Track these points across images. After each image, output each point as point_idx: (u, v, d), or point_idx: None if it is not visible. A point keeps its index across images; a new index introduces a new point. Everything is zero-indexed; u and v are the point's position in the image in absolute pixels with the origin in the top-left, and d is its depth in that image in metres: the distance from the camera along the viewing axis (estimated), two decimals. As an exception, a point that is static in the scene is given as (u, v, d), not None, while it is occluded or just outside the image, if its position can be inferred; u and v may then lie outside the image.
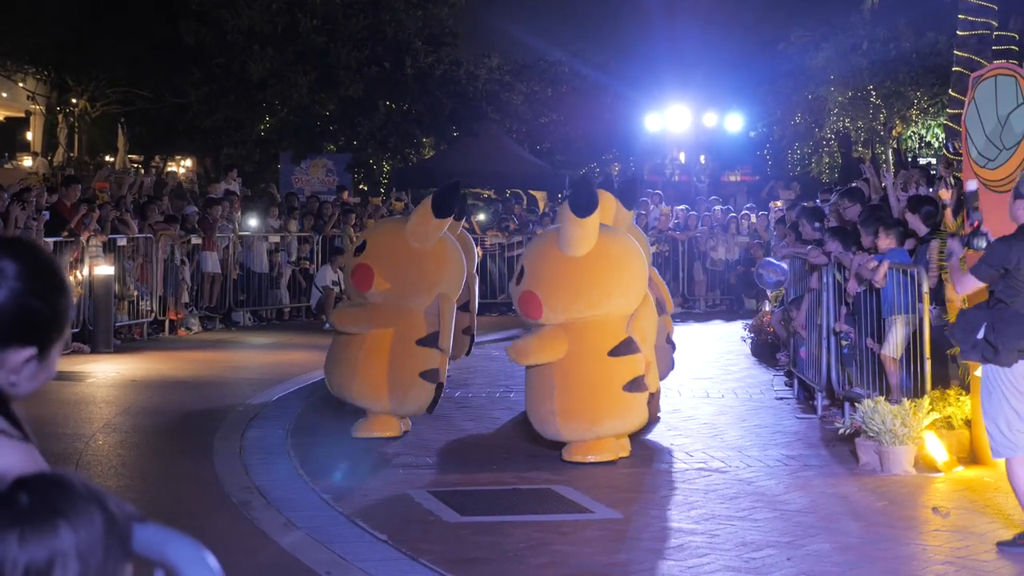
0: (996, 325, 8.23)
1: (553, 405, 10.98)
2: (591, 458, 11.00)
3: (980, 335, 8.29)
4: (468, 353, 15.13)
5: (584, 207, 10.95)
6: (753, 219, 27.12)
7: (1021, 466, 8.28)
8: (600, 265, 11.08)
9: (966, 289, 8.73)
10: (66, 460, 10.77)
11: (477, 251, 16.15)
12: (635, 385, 11.09)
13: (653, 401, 11.71)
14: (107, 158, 40.19)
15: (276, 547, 8.52)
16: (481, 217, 27.13)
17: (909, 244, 12.37)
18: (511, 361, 11.53)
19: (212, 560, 2.09)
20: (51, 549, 1.93)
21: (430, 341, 11.98)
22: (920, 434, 10.56)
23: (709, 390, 15.35)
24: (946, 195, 12.04)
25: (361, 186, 35.65)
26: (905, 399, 10.93)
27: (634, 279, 11.31)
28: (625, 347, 11.09)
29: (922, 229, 12.14)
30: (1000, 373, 8.27)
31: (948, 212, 11.86)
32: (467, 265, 13.05)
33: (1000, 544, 8.36)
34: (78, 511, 1.97)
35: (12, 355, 2.46)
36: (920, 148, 37.49)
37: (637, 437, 11.82)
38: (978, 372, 10.46)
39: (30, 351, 2.49)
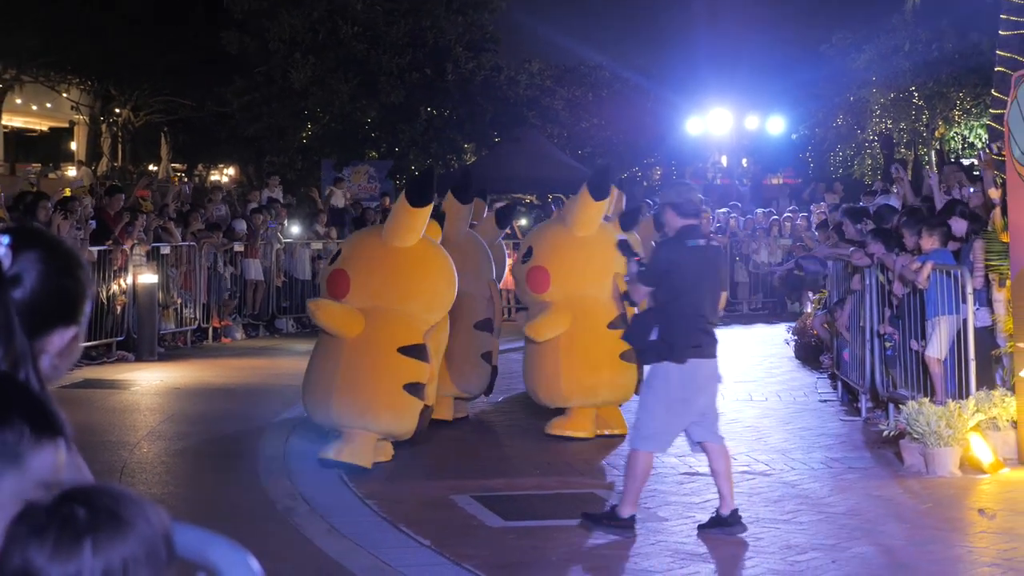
0: (667, 325, 8.69)
1: (334, 383, 10.98)
2: (350, 460, 10.91)
3: (654, 336, 8.72)
4: (489, 392, 13.76)
5: (419, 198, 11.09)
6: (800, 222, 27.00)
7: (646, 459, 8.77)
8: (416, 261, 11.32)
9: (639, 297, 9.19)
10: (111, 468, 10.83)
11: (509, 257, 15.51)
12: (414, 389, 11.03)
13: (425, 416, 11.40)
14: (150, 167, 40.44)
15: (320, 553, 8.55)
16: (523, 222, 27.14)
17: (953, 245, 12.30)
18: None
19: (254, 562, 2.11)
20: (123, 555, 1.95)
21: (484, 326, 12.69)
22: (965, 435, 10.50)
23: (753, 393, 15.30)
24: (995, 194, 11.95)
25: (403, 193, 35.71)
26: (950, 400, 10.86)
27: (441, 291, 11.40)
28: (417, 351, 11.07)
29: (961, 229, 12.07)
30: (672, 370, 8.67)
31: (997, 211, 11.78)
32: (485, 273, 13.09)
33: (585, 514, 8.94)
34: (138, 516, 1.99)
35: (56, 338, 2.49)
36: (963, 149, 37.24)
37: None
38: (1023, 372, 10.40)
39: (73, 331, 2.52)
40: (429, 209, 11.17)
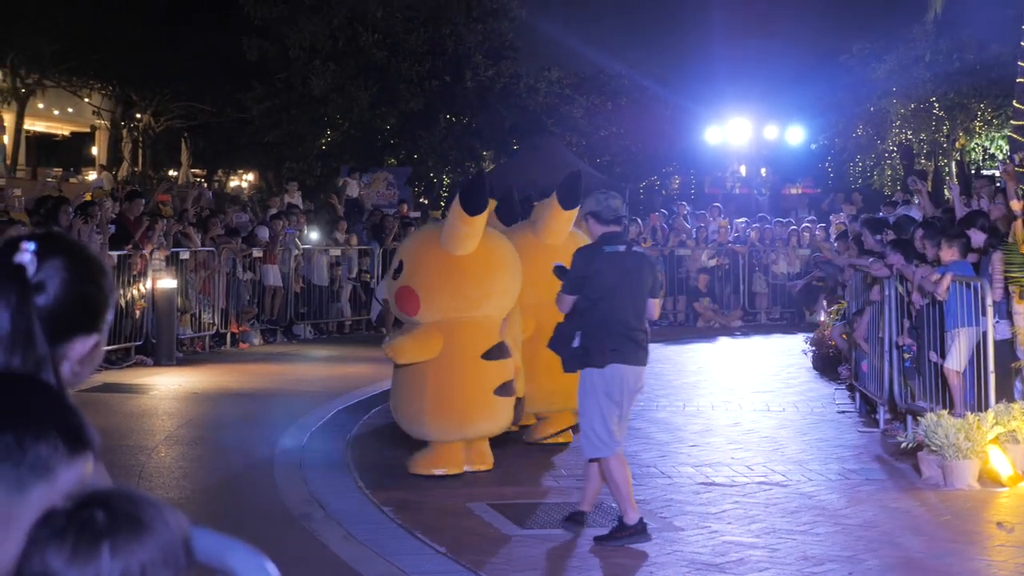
0: (587, 331, 8.77)
1: (424, 404, 10.95)
2: (438, 471, 10.91)
3: (576, 344, 8.81)
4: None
5: (474, 206, 10.90)
6: (818, 232, 26.96)
7: (615, 463, 8.77)
8: (481, 265, 11.10)
9: (565, 307, 9.08)
10: (129, 472, 10.85)
11: None
12: (505, 389, 11.08)
13: (519, 407, 11.53)
14: (171, 172, 40.55)
15: (336, 559, 8.55)
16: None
17: (973, 257, 12.26)
18: (387, 357, 11.32)
19: (272, 567, 2.10)
20: (141, 559, 1.95)
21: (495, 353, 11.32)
22: (984, 448, 10.46)
23: (770, 403, 15.26)
24: (1017, 206, 11.91)
25: (422, 199, 35.77)
26: (969, 413, 10.83)
27: (511, 284, 11.32)
28: (498, 351, 11.06)
29: (979, 240, 12.03)
30: (596, 375, 8.75)
31: (1019, 223, 11.74)
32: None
33: (596, 538, 8.84)
34: (157, 519, 2.00)
35: (78, 345, 2.50)
36: (984, 160, 37.13)
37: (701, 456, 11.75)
38: None
39: (95, 338, 2.53)
40: (485, 216, 11.09)
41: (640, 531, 8.75)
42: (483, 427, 11.11)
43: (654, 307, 9.17)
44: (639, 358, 8.88)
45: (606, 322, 8.80)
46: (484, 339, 11.06)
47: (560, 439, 12.42)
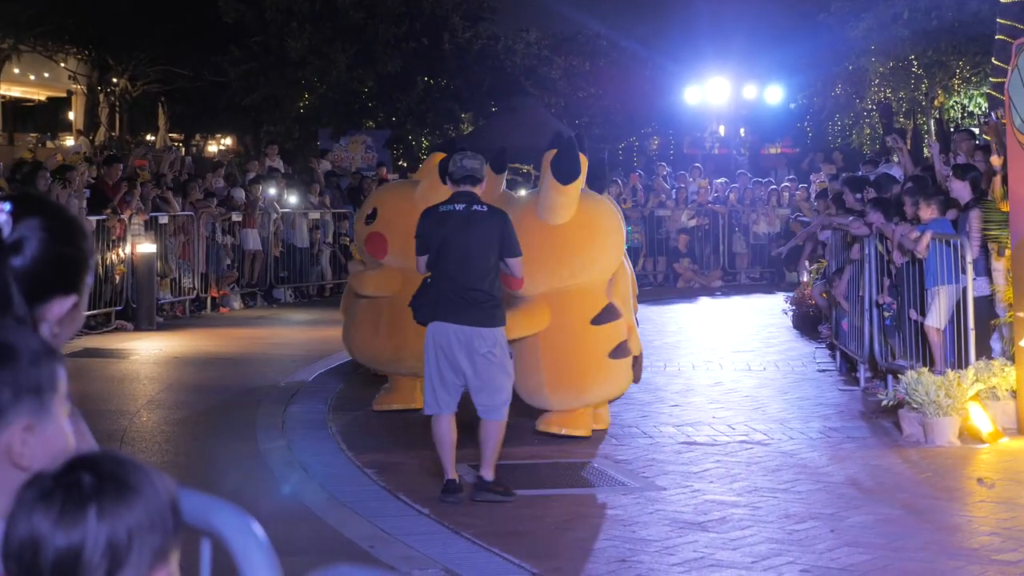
0: (419, 289, 9.10)
1: (541, 377, 10.90)
2: (565, 431, 10.93)
3: (422, 302, 9.02)
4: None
5: (568, 174, 10.68)
6: (799, 193, 26.97)
7: (438, 423, 8.95)
8: (581, 232, 10.90)
9: (420, 267, 9.19)
10: (111, 437, 10.84)
11: None
12: (619, 351, 11.00)
13: (637, 364, 11.43)
14: (148, 137, 40.37)
15: (319, 522, 8.56)
16: (522, 192, 27.09)
17: (952, 214, 12.28)
18: None
19: (258, 528, 2.10)
20: (128, 523, 1.95)
21: None
22: (964, 405, 10.50)
23: (751, 363, 15.31)
24: (997, 162, 11.92)
25: (400, 162, 35.69)
26: (949, 370, 10.87)
27: (614, 245, 11.16)
28: (607, 314, 10.97)
29: (965, 197, 12.04)
30: (427, 332, 8.89)
31: (997, 180, 11.75)
32: None
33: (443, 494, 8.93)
34: (145, 482, 1.99)
35: (56, 306, 2.49)
36: (963, 118, 37.13)
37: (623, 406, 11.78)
38: (1023, 342, 10.42)
39: (73, 299, 2.52)
40: (579, 182, 10.77)
41: (451, 490, 8.88)
42: (602, 392, 11.03)
43: (516, 266, 9.10)
44: (471, 318, 8.80)
45: (437, 280, 8.90)
46: (591, 305, 10.91)
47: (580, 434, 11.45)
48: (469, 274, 8.86)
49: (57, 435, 2.17)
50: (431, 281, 9.00)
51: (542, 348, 10.86)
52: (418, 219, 9.23)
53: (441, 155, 11.71)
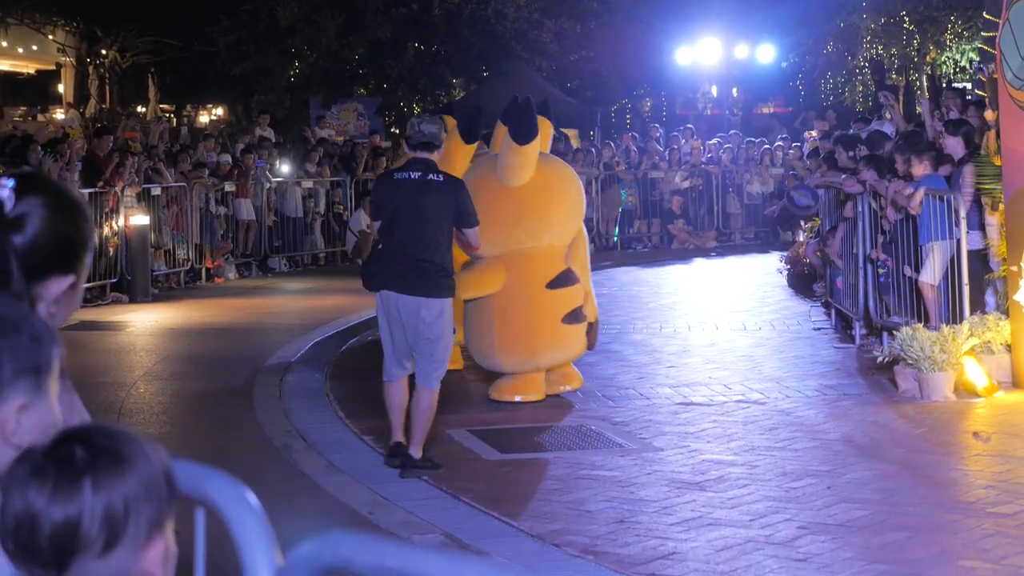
0: (370, 255, 9.09)
1: (492, 338, 10.90)
2: (519, 398, 10.93)
3: (373, 268, 8.95)
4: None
5: (524, 134, 10.63)
6: (792, 151, 26.92)
7: (389, 389, 8.93)
8: (539, 194, 10.88)
9: (375, 232, 9.20)
10: (108, 409, 10.85)
11: None
12: (574, 316, 10.98)
13: (592, 331, 11.39)
14: (139, 108, 40.23)
15: (318, 489, 8.58)
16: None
17: (946, 170, 12.27)
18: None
19: (251, 496, 2.11)
20: (124, 493, 1.95)
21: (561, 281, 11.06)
22: (959, 360, 10.53)
23: (746, 323, 15.32)
24: (991, 116, 11.90)
25: (392, 129, 35.59)
26: (944, 325, 10.89)
27: (573, 209, 11.15)
28: (563, 279, 10.95)
29: (959, 152, 12.02)
30: (378, 302, 8.88)
31: (991, 134, 11.74)
32: None
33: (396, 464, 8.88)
34: (137, 453, 1.99)
35: (54, 285, 2.49)
36: (955, 73, 37.04)
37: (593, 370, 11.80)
38: (1017, 296, 10.43)
39: (70, 279, 2.52)
40: (537, 143, 10.75)
41: (394, 453, 8.87)
42: (554, 356, 11.01)
43: (473, 236, 9.06)
44: (418, 288, 8.70)
45: (388, 248, 8.82)
46: (549, 268, 10.89)
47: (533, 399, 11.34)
48: (419, 244, 8.75)
49: (48, 416, 2.18)
50: (382, 248, 8.92)
51: (496, 309, 10.84)
52: (375, 185, 9.33)
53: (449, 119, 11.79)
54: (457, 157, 11.36)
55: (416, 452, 8.81)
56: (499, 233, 10.60)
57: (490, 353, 10.97)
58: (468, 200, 8.96)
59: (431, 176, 8.85)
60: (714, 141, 28.58)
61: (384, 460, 8.98)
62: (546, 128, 11.36)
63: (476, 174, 10.92)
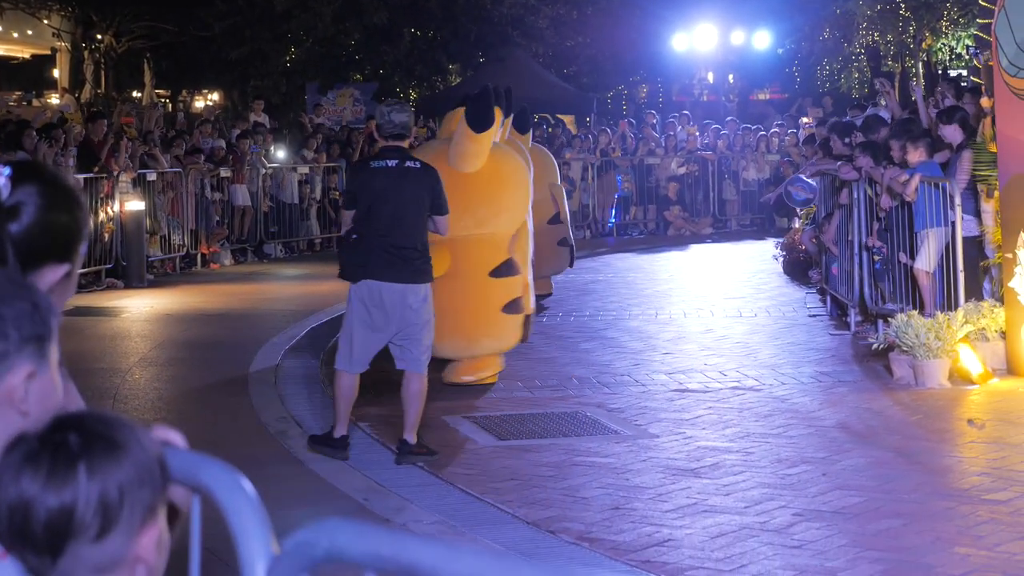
0: (349, 245, 8.97)
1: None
2: (475, 378, 10.97)
3: (355, 258, 8.88)
4: (571, 264, 15.85)
5: (481, 123, 10.68)
6: (788, 138, 26.92)
7: (348, 379, 8.85)
8: (489, 182, 10.95)
9: (346, 223, 9.19)
10: (103, 395, 10.86)
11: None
12: (513, 307, 11.02)
13: (527, 324, 11.64)
14: (134, 93, 40.17)
15: (314, 475, 8.59)
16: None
17: (942, 156, 12.28)
18: None
19: (247, 483, 2.10)
20: (119, 480, 1.95)
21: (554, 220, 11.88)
22: (954, 347, 10.54)
23: (742, 309, 15.33)
24: (988, 103, 11.90)
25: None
26: (938, 312, 10.90)
27: (521, 199, 11.22)
28: (506, 268, 11.00)
29: (957, 139, 12.02)
30: (352, 290, 8.81)
31: (987, 121, 11.74)
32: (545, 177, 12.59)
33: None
34: (131, 439, 2.00)
35: (49, 273, 2.49)
36: (951, 60, 37.03)
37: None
38: (1012, 283, 10.44)
39: (66, 267, 2.52)
40: (492, 132, 10.88)
41: (340, 447, 8.84)
42: (491, 345, 11.05)
43: (443, 224, 9.04)
44: (403, 275, 8.73)
45: (366, 237, 8.78)
46: (492, 256, 10.94)
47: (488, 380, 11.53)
48: (403, 231, 8.78)
49: (52, 386, 2.19)
50: (363, 238, 8.84)
51: (437, 294, 10.78)
52: (350, 173, 9.30)
53: (460, 110, 11.81)
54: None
55: (411, 437, 8.81)
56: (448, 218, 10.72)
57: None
58: (442, 187, 9.02)
59: (408, 163, 8.93)
60: (714, 126, 28.54)
61: (330, 451, 8.84)
62: (478, 141, 11.25)
63: (427, 158, 10.88)
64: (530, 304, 11.50)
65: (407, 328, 8.81)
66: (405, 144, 9.10)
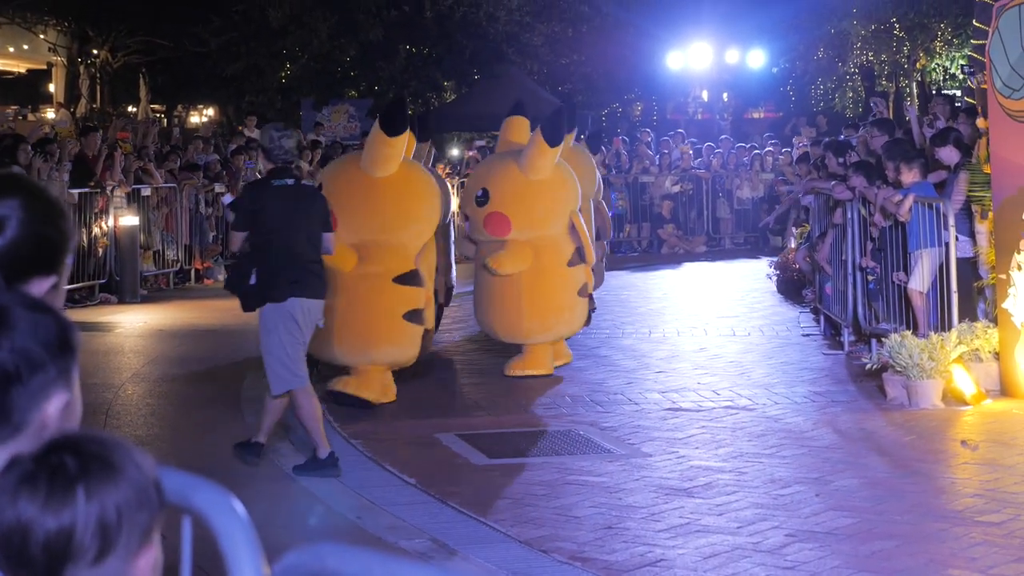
0: (263, 267, 8.81)
1: (332, 324, 10.72)
2: (352, 391, 11.01)
3: (253, 281, 8.86)
4: (436, 328, 13.38)
5: (394, 127, 10.89)
6: (782, 157, 26.95)
7: (304, 396, 8.81)
8: (399, 189, 11.14)
9: (236, 245, 9.23)
10: (96, 410, 10.83)
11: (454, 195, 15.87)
12: (414, 316, 11.10)
13: (427, 338, 11.94)
14: (130, 108, 40.18)
15: (306, 492, 8.57)
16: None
17: (937, 177, 12.29)
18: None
19: (239, 505, 2.10)
20: (116, 501, 1.95)
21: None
22: (948, 367, 10.54)
23: (735, 328, 15.33)
24: (983, 124, 11.92)
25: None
26: (932, 333, 10.90)
27: (430, 212, 11.40)
28: (411, 277, 11.08)
29: (954, 159, 12.04)
30: (276, 310, 8.79)
31: (983, 142, 11.76)
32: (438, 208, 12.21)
33: (295, 468, 8.97)
34: (128, 461, 1.99)
35: (35, 286, 2.48)
36: (944, 80, 37.11)
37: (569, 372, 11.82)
38: (1005, 304, 10.45)
39: (52, 280, 2.51)
40: (405, 138, 11.10)
41: (331, 464, 8.83)
42: (389, 352, 11.09)
43: (329, 241, 9.17)
44: (316, 290, 8.93)
45: (282, 256, 8.83)
46: (398, 263, 11.05)
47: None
48: (308, 246, 8.96)
49: (76, 405, 2.20)
50: (272, 258, 8.83)
51: (339, 296, 10.82)
52: (244, 193, 9.51)
53: (519, 119, 12.88)
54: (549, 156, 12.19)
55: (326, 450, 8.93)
56: (356, 220, 10.93)
57: (327, 340, 10.82)
58: (329, 208, 9.29)
59: (303, 183, 9.38)
60: (707, 144, 28.56)
61: (321, 474, 8.79)
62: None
63: (340, 162, 11.65)
64: (431, 319, 11.85)
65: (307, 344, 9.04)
66: (292, 167, 9.34)
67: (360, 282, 10.94)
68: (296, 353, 8.86)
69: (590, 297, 12.64)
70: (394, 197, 11.15)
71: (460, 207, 13.47)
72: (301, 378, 8.86)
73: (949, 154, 12.08)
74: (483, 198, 12.29)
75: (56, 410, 2.15)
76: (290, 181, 9.07)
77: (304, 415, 8.87)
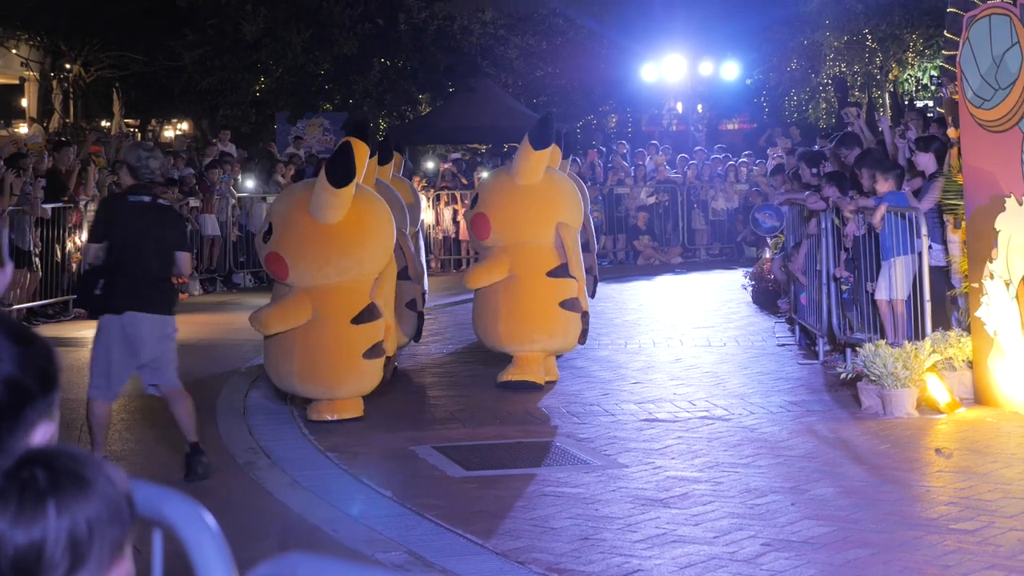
0: (109, 278, 9.01)
1: (293, 367, 11.00)
2: (336, 416, 11.03)
3: (98, 290, 9.07)
4: (418, 338, 13.71)
5: (341, 178, 10.69)
6: (756, 168, 27.04)
7: (99, 407, 9.15)
8: (351, 232, 10.94)
9: (91, 255, 9.39)
10: (70, 426, 10.78)
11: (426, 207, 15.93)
12: (374, 351, 11.07)
13: (389, 364, 12.09)
14: (103, 123, 40.07)
15: (282, 506, 8.55)
16: (486, 174, 27.08)
17: (915, 185, 12.34)
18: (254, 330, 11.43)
19: (209, 518, 2.09)
20: (88, 515, 1.94)
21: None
22: (922, 376, 10.58)
23: (711, 339, 15.36)
24: (954, 134, 11.99)
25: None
26: (906, 342, 10.94)
27: (383, 245, 11.25)
28: (368, 314, 11.05)
29: (931, 168, 12.10)
30: (112, 321, 9.05)
31: (954, 151, 11.82)
32: (399, 221, 12.28)
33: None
34: (99, 475, 1.98)
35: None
36: (917, 91, 37.32)
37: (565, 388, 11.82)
38: (978, 313, 10.49)
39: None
40: (352, 188, 10.79)
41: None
42: (350, 388, 11.13)
43: (185, 261, 9.29)
44: (161, 306, 9.13)
45: (127, 270, 8.98)
46: (354, 303, 10.98)
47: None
48: (159, 264, 9.12)
49: (55, 429, 2.20)
50: (118, 271, 9.01)
51: (299, 341, 10.93)
52: (100, 207, 9.63)
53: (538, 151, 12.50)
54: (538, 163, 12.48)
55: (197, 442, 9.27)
56: (309, 268, 10.88)
57: (288, 380, 11.11)
58: (185, 228, 9.57)
59: (160, 200, 9.36)
60: (680, 156, 28.64)
61: None
62: (362, 153, 11.40)
63: (287, 205, 11.25)
64: (393, 346, 11.98)
65: (162, 356, 9.23)
66: (152, 185, 9.42)
67: (318, 327, 10.89)
68: (119, 369, 9.13)
69: (584, 315, 12.51)
70: (347, 243, 10.88)
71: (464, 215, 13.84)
72: (110, 393, 9.18)
73: (927, 161, 12.14)
74: (474, 202, 12.88)
75: (41, 440, 2.14)
76: (147, 198, 9.14)
77: (93, 422, 9.17)
